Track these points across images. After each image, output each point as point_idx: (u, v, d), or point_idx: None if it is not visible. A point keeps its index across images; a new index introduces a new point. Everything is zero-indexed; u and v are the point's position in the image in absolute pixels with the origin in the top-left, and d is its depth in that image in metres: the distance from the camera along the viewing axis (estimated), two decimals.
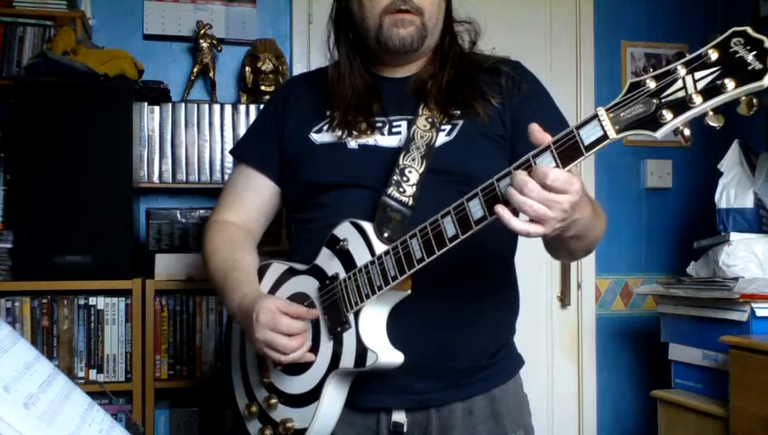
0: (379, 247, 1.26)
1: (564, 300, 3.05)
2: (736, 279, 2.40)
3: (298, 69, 2.72)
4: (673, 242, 3.14)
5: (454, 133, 1.37)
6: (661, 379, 2.74)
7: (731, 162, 2.69)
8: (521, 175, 1.05)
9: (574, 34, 3.07)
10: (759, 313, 2.28)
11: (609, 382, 3.08)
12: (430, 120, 1.37)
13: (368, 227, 1.29)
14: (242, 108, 2.55)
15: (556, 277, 3.06)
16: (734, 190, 2.67)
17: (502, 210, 1.06)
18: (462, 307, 1.36)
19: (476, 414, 1.37)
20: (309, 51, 2.76)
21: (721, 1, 3.13)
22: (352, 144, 1.40)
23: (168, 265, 2.32)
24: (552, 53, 3.05)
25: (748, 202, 2.64)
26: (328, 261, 1.33)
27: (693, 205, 3.12)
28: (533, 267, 2.97)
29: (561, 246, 1.31)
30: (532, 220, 1.06)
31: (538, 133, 1.07)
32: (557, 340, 3.05)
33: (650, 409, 2.70)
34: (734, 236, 2.56)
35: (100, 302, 2.24)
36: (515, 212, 1.07)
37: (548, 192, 1.04)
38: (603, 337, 3.09)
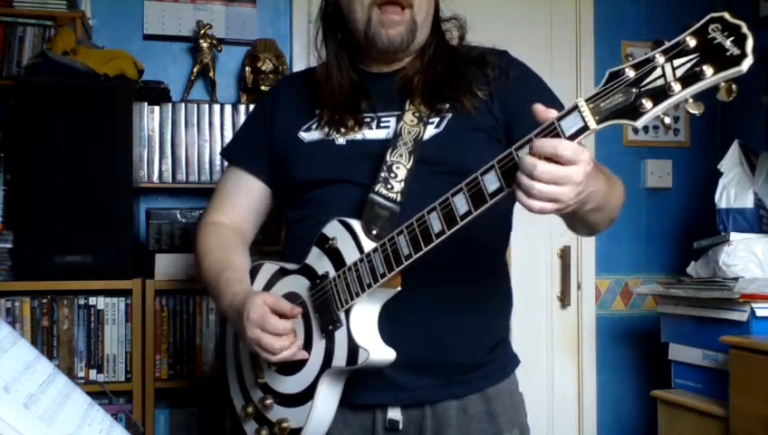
0: (368, 245, 1.26)
1: (564, 300, 3.05)
2: (736, 279, 2.40)
3: (298, 69, 2.72)
4: (673, 242, 3.14)
5: (442, 126, 1.38)
6: (661, 379, 2.74)
7: (731, 162, 2.69)
8: (528, 159, 1.02)
9: (574, 34, 3.07)
10: (759, 313, 2.29)
11: (609, 382, 3.08)
12: (417, 114, 1.37)
13: (356, 224, 1.29)
14: (242, 108, 2.55)
15: (556, 277, 3.06)
16: (734, 190, 2.67)
17: (519, 194, 1.03)
18: (454, 304, 1.36)
19: (471, 413, 1.38)
20: (309, 51, 2.76)
21: (721, 1, 3.13)
22: (340, 141, 1.40)
23: (167, 265, 2.32)
24: (552, 53, 3.05)
25: (748, 202, 2.64)
26: (318, 260, 1.33)
27: (693, 205, 3.12)
28: (533, 267, 2.97)
29: (582, 221, 1.27)
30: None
31: (541, 113, 1.05)
32: (557, 340, 3.05)
33: (650, 409, 2.70)
34: (734, 236, 2.56)
35: (100, 302, 2.24)
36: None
37: (558, 169, 1.01)
38: (603, 337, 3.09)
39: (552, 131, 1.03)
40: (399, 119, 1.37)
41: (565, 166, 1.01)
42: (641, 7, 3.13)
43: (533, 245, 2.90)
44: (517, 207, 1.47)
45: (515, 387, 1.47)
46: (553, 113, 1.04)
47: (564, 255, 3.03)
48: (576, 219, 1.26)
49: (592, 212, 1.19)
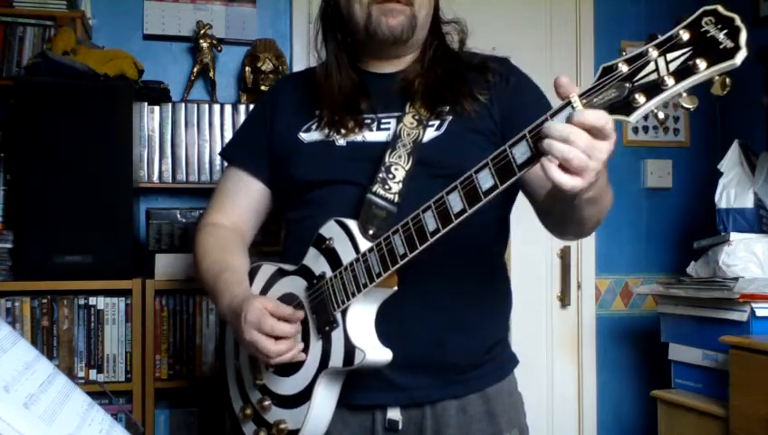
0: (364, 245, 1.26)
1: (564, 300, 3.05)
2: (736, 279, 2.40)
3: (298, 69, 2.72)
4: (673, 242, 3.14)
5: (443, 128, 1.38)
6: (661, 379, 2.74)
7: (731, 162, 2.69)
8: (561, 126, 0.99)
9: (574, 34, 3.07)
10: (759, 313, 2.28)
11: (609, 382, 3.08)
12: (417, 117, 1.37)
13: (352, 224, 1.29)
14: (242, 108, 2.55)
15: (556, 277, 3.06)
16: (734, 190, 2.67)
17: (548, 163, 0.99)
18: (453, 303, 1.36)
19: (471, 413, 1.38)
20: (309, 51, 2.76)
21: (721, 1, 3.13)
22: (341, 142, 1.40)
23: (167, 265, 2.32)
24: (552, 53, 3.05)
25: (748, 202, 2.64)
26: (315, 260, 1.33)
27: (693, 205, 3.12)
28: (533, 267, 2.97)
29: (573, 215, 1.21)
30: (573, 173, 0.99)
31: (566, 86, 1.01)
32: (557, 340, 3.05)
33: (650, 409, 2.70)
34: (734, 236, 2.56)
35: (100, 302, 2.24)
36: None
37: (593, 139, 0.98)
38: (603, 337, 3.09)
39: None
40: (399, 121, 1.37)
41: (599, 140, 0.98)
42: (641, 7, 3.12)
43: (533, 245, 2.90)
44: (516, 208, 1.48)
45: (514, 387, 1.47)
46: (575, 88, 1.01)
47: (564, 255, 3.03)
48: (568, 213, 1.21)
49: (590, 204, 1.15)
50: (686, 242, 2.95)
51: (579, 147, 0.98)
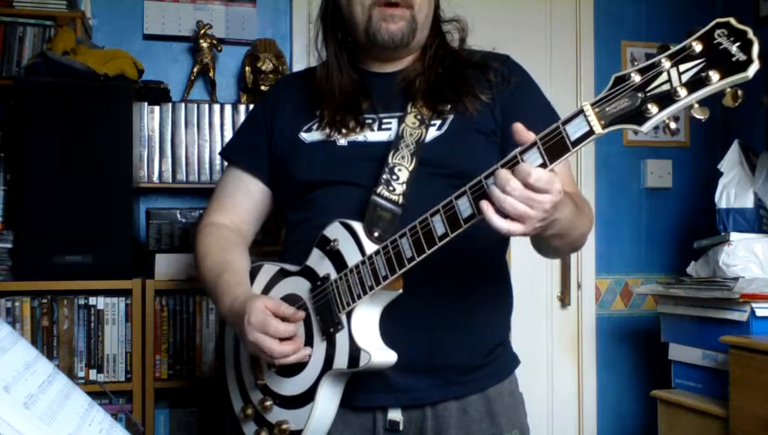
0: (370, 247, 1.25)
1: (564, 300, 3.05)
2: (736, 279, 2.40)
3: (298, 69, 2.72)
4: (673, 242, 3.14)
5: (444, 128, 1.38)
6: (661, 379, 2.75)
7: (731, 162, 2.69)
8: (503, 173, 1.05)
9: (574, 34, 3.07)
10: (759, 313, 2.28)
11: (609, 382, 3.08)
12: (419, 117, 1.37)
13: (357, 226, 1.28)
14: (242, 108, 2.55)
15: (556, 277, 3.06)
16: (734, 190, 2.67)
17: (485, 207, 1.07)
18: (454, 305, 1.36)
19: (471, 413, 1.38)
20: (309, 51, 2.76)
21: (721, 1, 3.13)
22: (342, 142, 1.40)
23: (168, 265, 2.32)
24: (552, 53, 3.05)
25: (748, 202, 2.64)
26: (319, 262, 1.32)
27: (693, 205, 3.12)
28: (533, 267, 2.97)
29: (544, 244, 1.32)
30: (513, 219, 1.06)
31: (522, 132, 1.07)
32: (557, 340, 3.05)
33: (650, 409, 2.70)
34: (734, 236, 2.56)
35: (100, 302, 2.25)
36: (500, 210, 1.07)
37: (530, 191, 1.04)
38: (603, 337, 3.09)
39: (558, 136, 1.03)
40: (401, 121, 1.37)
41: (537, 193, 1.04)
42: (641, 7, 3.13)
43: None
44: None
45: (515, 387, 1.47)
46: (531, 135, 1.06)
47: None
48: (540, 242, 1.31)
49: (554, 238, 1.22)
50: (686, 242, 2.95)
51: (515, 196, 1.04)
